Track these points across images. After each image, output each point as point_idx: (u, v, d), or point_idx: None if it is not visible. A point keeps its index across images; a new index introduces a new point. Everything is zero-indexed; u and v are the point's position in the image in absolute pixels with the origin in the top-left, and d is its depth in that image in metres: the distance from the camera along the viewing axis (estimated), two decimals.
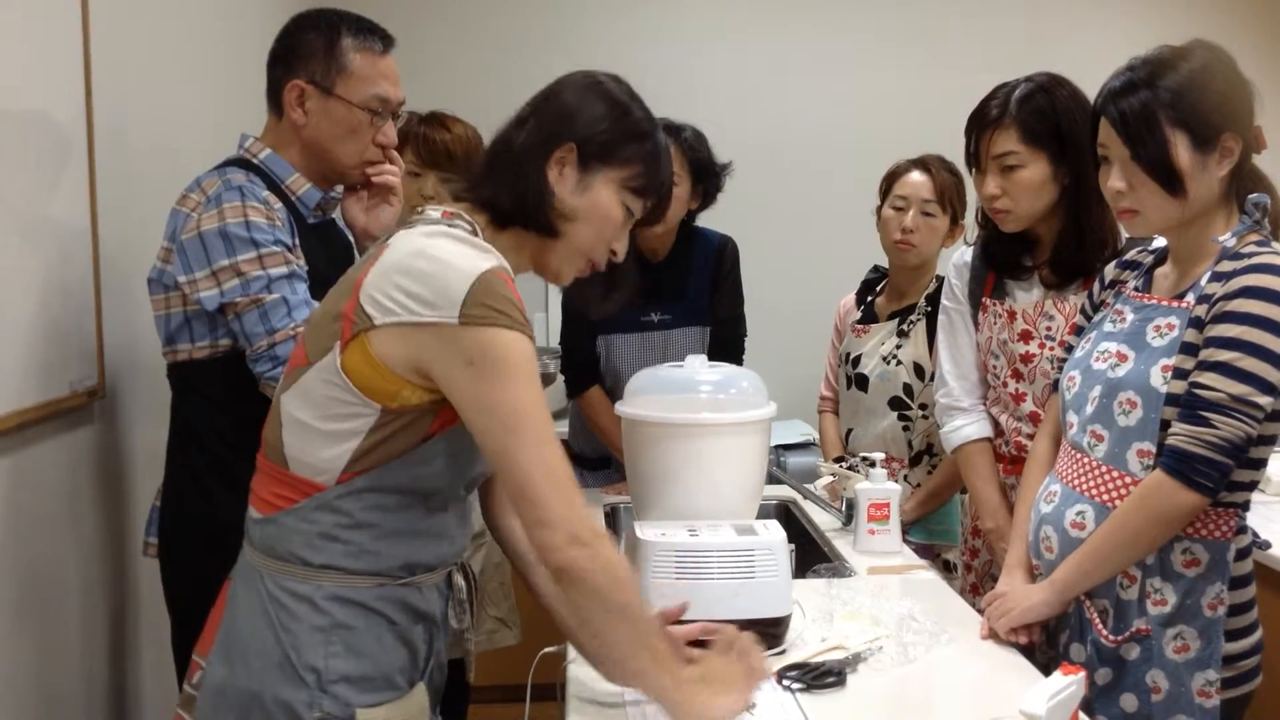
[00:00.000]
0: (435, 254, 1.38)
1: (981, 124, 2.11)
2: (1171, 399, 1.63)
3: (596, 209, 1.50)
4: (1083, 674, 1.42)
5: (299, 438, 1.42)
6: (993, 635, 1.80)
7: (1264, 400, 1.58)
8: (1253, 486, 1.69)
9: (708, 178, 2.76)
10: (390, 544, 1.43)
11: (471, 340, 1.34)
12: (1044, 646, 1.83)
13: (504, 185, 1.49)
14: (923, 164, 2.66)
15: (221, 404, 1.97)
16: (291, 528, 1.42)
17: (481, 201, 1.50)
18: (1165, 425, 1.64)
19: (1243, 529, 1.70)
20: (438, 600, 1.53)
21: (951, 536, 2.61)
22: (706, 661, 1.47)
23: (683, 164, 2.70)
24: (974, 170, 2.17)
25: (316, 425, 1.40)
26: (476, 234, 1.46)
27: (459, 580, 1.59)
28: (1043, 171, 2.07)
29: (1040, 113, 2.05)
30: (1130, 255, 1.89)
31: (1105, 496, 1.71)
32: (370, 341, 1.37)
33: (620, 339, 2.81)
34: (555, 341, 3.57)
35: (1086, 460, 1.75)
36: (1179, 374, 1.63)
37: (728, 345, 2.84)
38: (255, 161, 2.01)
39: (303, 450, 1.42)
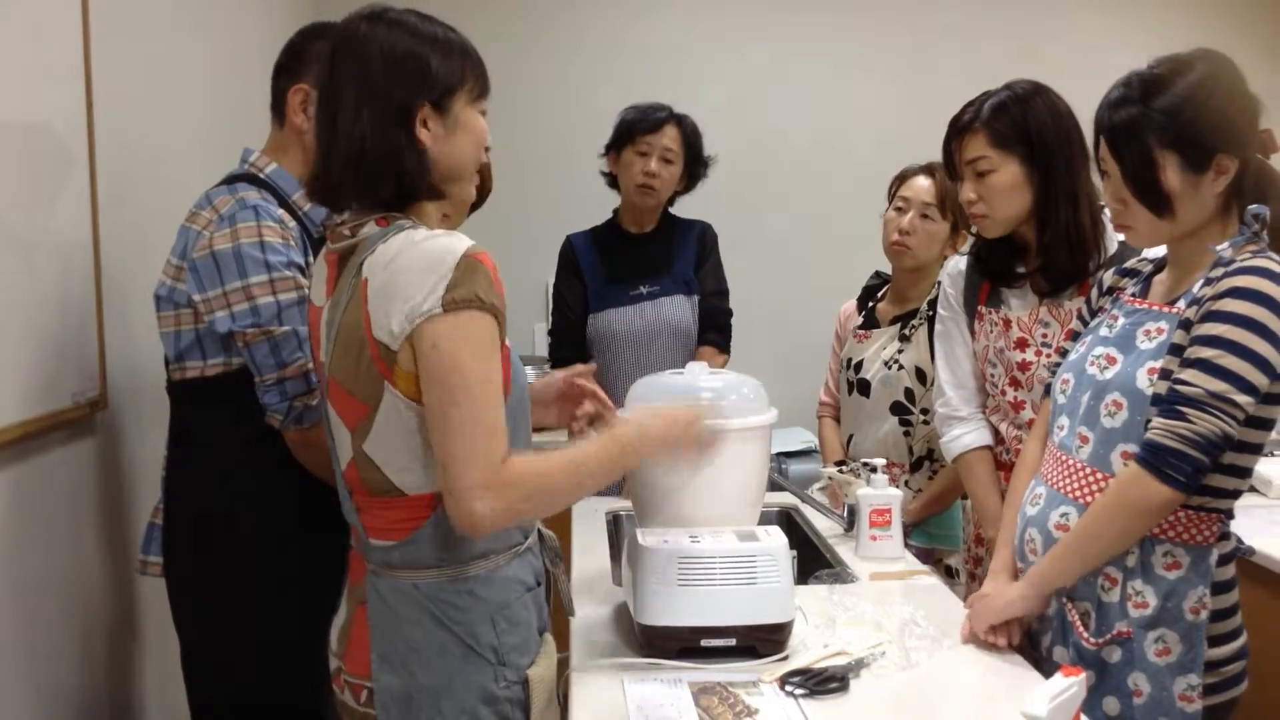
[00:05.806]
0: (405, 262, 1.43)
1: (955, 130, 2.13)
2: (1157, 400, 1.62)
3: (470, 132, 1.55)
4: (1084, 675, 1.42)
5: (404, 469, 1.48)
6: (973, 638, 1.79)
7: (1243, 399, 1.56)
8: (1237, 495, 1.67)
9: (696, 165, 3.03)
10: None
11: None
12: (1027, 649, 1.82)
13: (384, 177, 1.48)
14: (930, 170, 2.68)
15: (234, 420, 1.96)
16: (431, 535, 1.50)
17: (382, 204, 1.50)
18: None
19: (1226, 535, 1.68)
20: (537, 559, 1.64)
21: (953, 541, 2.61)
22: (636, 416, 1.71)
23: (681, 147, 2.96)
24: (954, 177, 2.18)
25: (415, 449, 1.47)
26: (417, 226, 1.49)
27: (547, 532, 1.70)
28: (1014, 175, 2.07)
29: (1010, 119, 2.07)
30: (1130, 264, 1.89)
31: (1088, 499, 1.70)
32: (401, 364, 1.43)
33: (614, 313, 2.99)
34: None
35: (1071, 462, 1.75)
36: (1164, 375, 1.62)
37: (715, 314, 3.04)
38: (262, 176, 2.01)
39: (413, 474, 1.48)
